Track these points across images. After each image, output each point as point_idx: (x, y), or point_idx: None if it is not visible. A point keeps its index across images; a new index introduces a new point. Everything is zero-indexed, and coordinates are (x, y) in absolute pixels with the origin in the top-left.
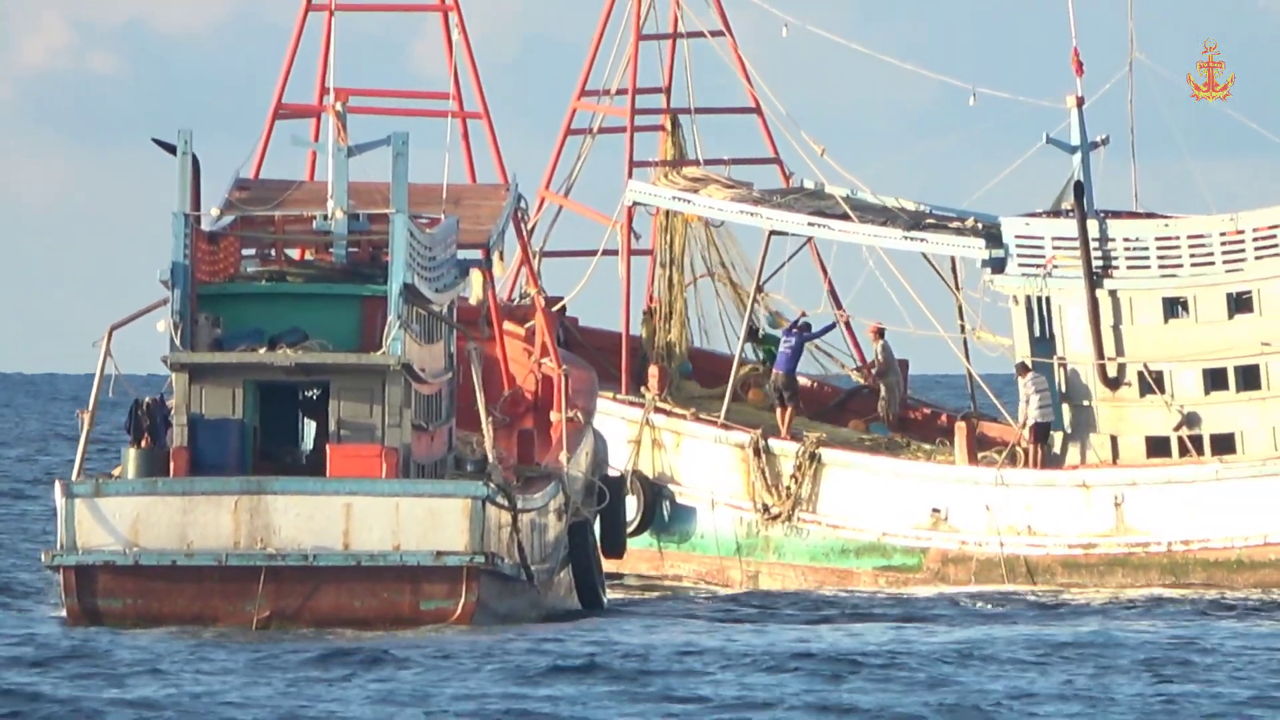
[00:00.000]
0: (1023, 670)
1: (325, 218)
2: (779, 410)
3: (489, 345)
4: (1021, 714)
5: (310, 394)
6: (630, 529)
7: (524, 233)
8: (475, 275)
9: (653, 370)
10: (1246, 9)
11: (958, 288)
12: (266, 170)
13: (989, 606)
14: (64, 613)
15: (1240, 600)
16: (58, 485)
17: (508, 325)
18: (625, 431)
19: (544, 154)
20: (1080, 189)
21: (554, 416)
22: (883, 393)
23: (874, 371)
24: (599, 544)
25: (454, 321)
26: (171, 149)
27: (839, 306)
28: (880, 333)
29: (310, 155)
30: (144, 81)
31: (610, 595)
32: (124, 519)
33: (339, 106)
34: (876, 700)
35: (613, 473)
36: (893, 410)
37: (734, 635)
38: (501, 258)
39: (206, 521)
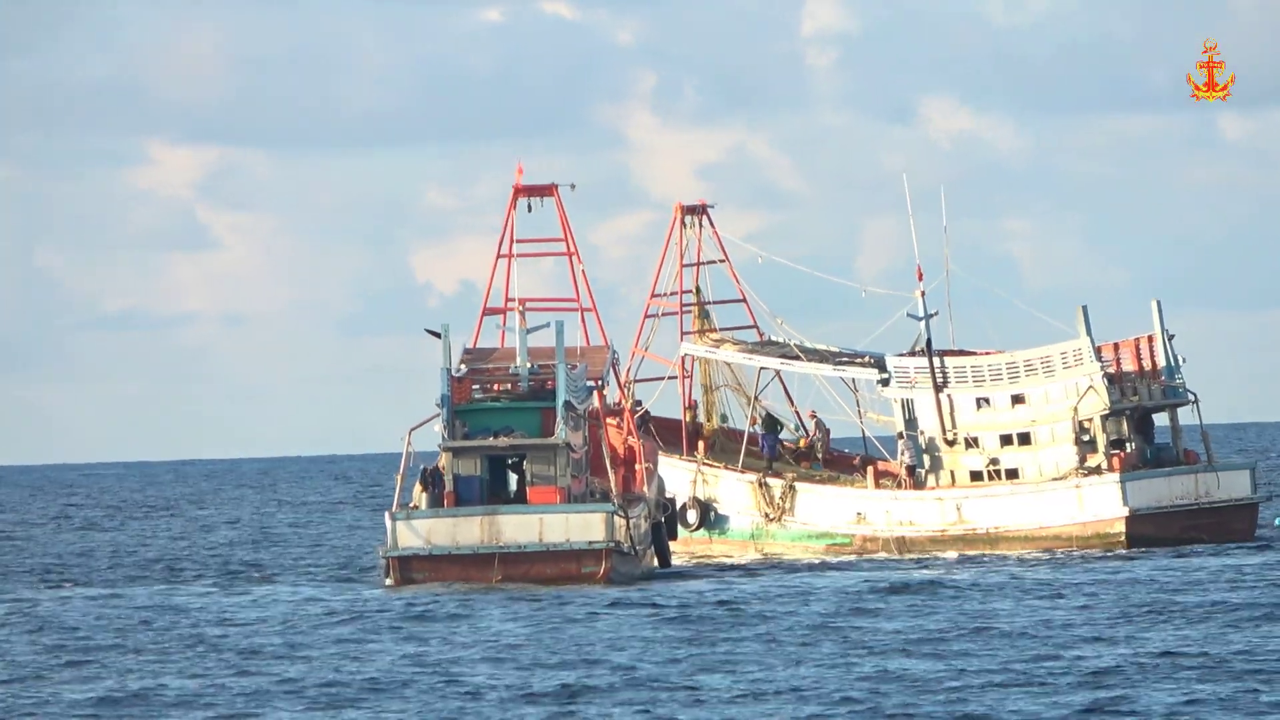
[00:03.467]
0: (908, 596)
1: (515, 368)
2: (768, 469)
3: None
4: (905, 609)
5: (512, 461)
6: (693, 528)
7: (617, 372)
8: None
9: (700, 443)
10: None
11: (856, 392)
12: (481, 341)
13: (885, 563)
14: (390, 583)
15: (1027, 557)
16: (387, 514)
17: (612, 419)
18: (687, 475)
19: (633, 328)
20: (929, 343)
21: (637, 468)
22: (817, 449)
23: (811, 440)
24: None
25: (588, 419)
26: (437, 335)
27: (791, 403)
28: (813, 415)
29: (501, 332)
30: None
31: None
32: (423, 530)
33: (521, 308)
34: (833, 598)
35: (668, 497)
36: (822, 453)
37: (751, 579)
38: (605, 385)
39: (465, 529)
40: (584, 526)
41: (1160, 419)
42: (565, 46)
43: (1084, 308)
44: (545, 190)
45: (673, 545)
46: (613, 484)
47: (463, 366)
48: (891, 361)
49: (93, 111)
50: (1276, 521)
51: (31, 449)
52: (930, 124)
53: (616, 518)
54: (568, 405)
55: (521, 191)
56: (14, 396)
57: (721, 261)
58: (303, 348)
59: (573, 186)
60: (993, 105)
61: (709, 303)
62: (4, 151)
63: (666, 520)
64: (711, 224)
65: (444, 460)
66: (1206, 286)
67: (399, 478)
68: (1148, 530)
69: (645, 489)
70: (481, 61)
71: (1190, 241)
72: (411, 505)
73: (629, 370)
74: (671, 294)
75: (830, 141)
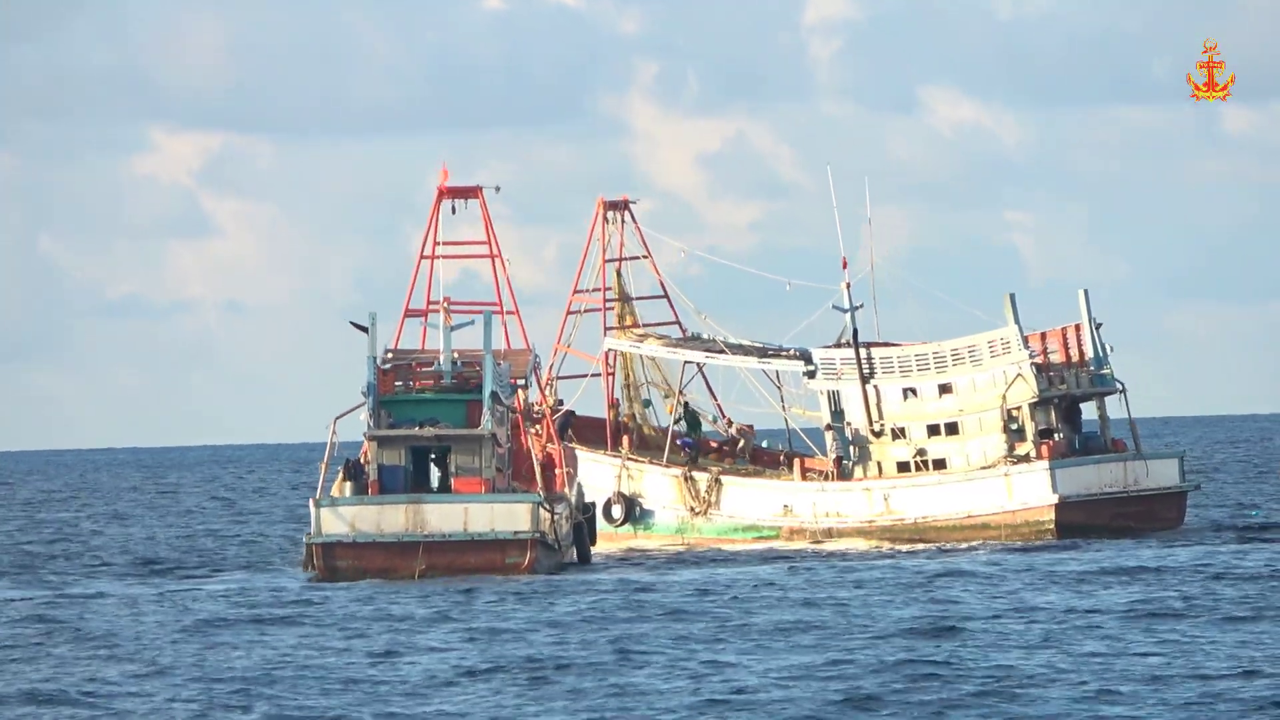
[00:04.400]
0: (830, 576)
1: (439, 365)
2: (693, 464)
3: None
4: (834, 587)
5: (435, 454)
6: (618, 523)
7: (539, 376)
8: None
9: (625, 438)
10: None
11: (780, 387)
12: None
13: (810, 554)
14: (314, 571)
15: (952, 546)
16: (311, 501)
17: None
18: (612, 470)
19: (555, 324)
20: (855, 334)
21: (558, 472)
22: (740, 445)
23: (734, 435)
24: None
25: (518, 416)
26: (363, 328)
27: (714, 398)
28: (730, 422)
29: (423, 332)
30: None
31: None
32: (347, 517)
33: (445, 305)
34: (749, 585)
35: (588, 499)
36: (747, 454)
37: (676, 571)
38: (527, 386)
39: (390, 518)
40: (509, 517)
41: (1088, 409)
42: (568, 36)
43: (1011, 296)
44: (470, 192)
45: (598, 541)
46: (539, 481)
47: (390, 355)
48: (817, 354)
49: (95, 98)
50: (1253, 514)
51: (35, 435)
52: (933, 114)
53: (542, 509)
54: (494, 397)
55: (446, 193)
56: (17, 383)
57: (644, 257)
58: (304, 336)
59: (497, 189)
60: (996, 96)
61: (633, 298)
62: (6, 139)
63: (587, 521)
64: (634, 219)
65: (369, 450)
66: (1210, 279)
67: (323, 466)
68: (1077, 518)
69: (566, 492)
70: (485, 50)
71: (1194, 235)
72: (333, 494)
73: (551, 367)
74: (594, 290)
75: (832, 132)
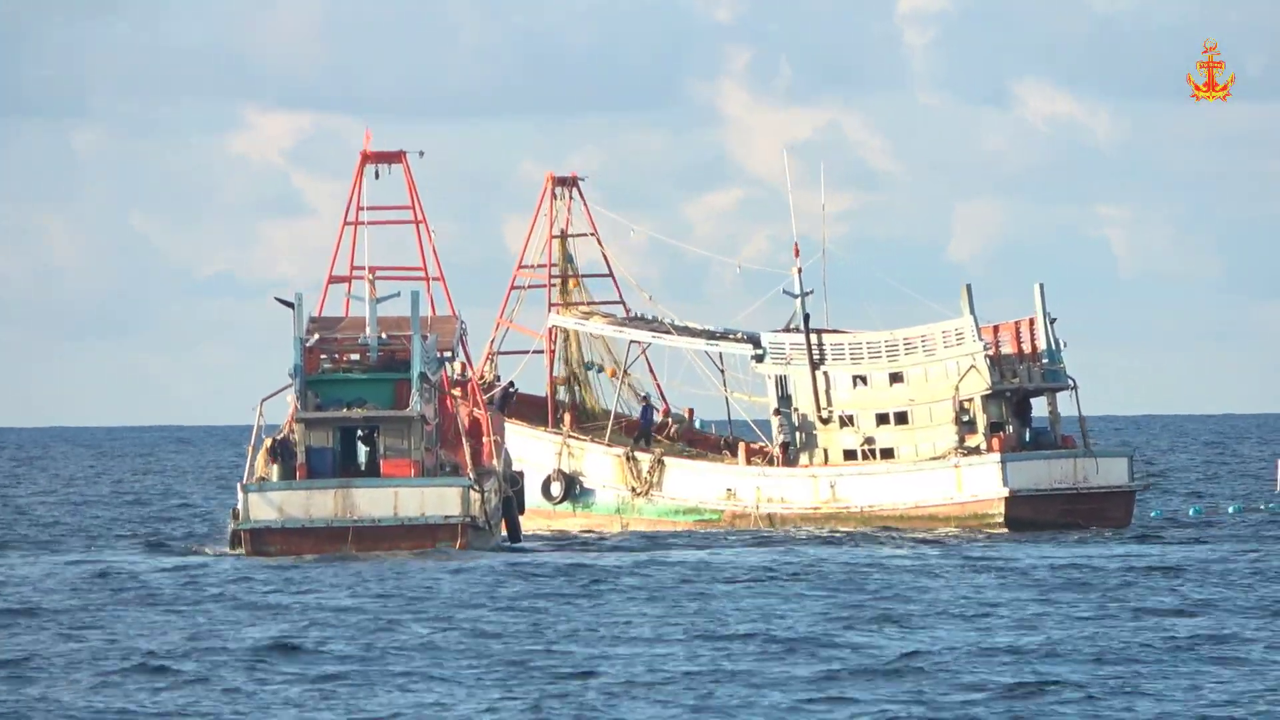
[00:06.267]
0: (771, 563)
1: (364, 338)
2: (641, 441)
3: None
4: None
5: (363, 434)
6: (557, 501)
7: (465, 343)
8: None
9: (566, 415)
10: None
11: (724, 370)
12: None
13: (752, 541)
14: (242, 553)
15: (898, 535)
16: (239, 485)
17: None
18: (553, 448)
19: (497, 300)
20: (807, 318)
21: (485, 440)
22: (671, 429)
23: (671, 420)
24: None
25: (447, 379)
26: (289, 304)
27: (656, 380)
28: (667, 411)
29: (346, 301)
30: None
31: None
32: (276, 502)
33: (371, 276)
34: (677, 570)
35: (516, 470)
36: (674, 436)
37: (609, 554)
38: (454, 357)
39: (319, 502)
40: (439, 501)
41: (1039, 405)
42: (661, 22)
43: (968, 286)
44: (394, 157)
45: (536, 519)
46: (469, 459)
47: (316, 334)
48: (767, 337)
49: (189, 76)
50: (1153, 514)
51: (131, 411)
52: (1026, 107)
53: (472, 492)
54: (422, 377)
55: (369, 158)
56: (111, 359)
57: (590, 235)
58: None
59: (420, 154)
60: (1090, 90)
61: (579, 276)
62: (100, 116)
63: (516, 494)
64: (581, 196)
65: (296, 432)
66: None
67: (250, 449)
68: (1026, 513)
69: (494, 462)
70: (578, 36)
71: None
72: (258, 477)
73: (493, 342)
74: (540, 266)
75: (925, 122)
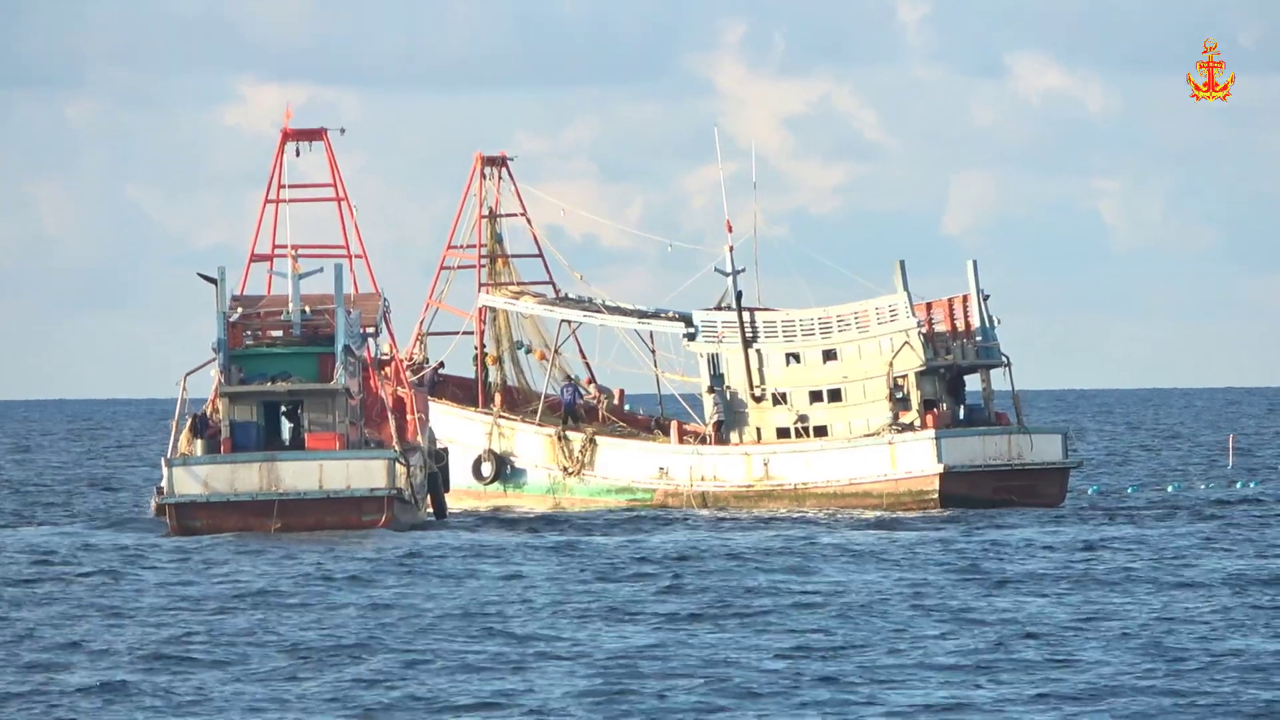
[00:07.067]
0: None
1: (288, 314)
2: (569, 421)
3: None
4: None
5: (287, 409)
6: (487, 481)
7: (389, 320)
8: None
9: (497, 396)
10: None
11: (655, 350)
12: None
13: (683, 519)
14: (168, 530)
15: (830, 513)
16: (163, 460)
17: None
18: (483, 428)
19: (425, 280)
20: (739, 296)
21: (410, 418)
22: (602, 407)
23: (598, 392)
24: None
25: (370, 358)
26: (212, 280)
27: (585, 359)
28: (591, 381)
29: (268, 279)
30: None
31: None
32: (201, 477)
33: (294, 253)
34: (609, 552)
35: (440, 447)
36: (601, 417)
37: (531, 531)
38: (377, 333)
39: (244, 476)
40: (365, 473)
41: (972, 382)
42: None
43: (901, 262)
44: (314, 134)
45: (467, 499)
46: (393, 432)
47: (238, 309)
48: (698, 316)
49: (182, 47)
50: (1090, 490)
51: (123, 383)
52: (1020, 80)
53: (398, 465)
54: (347, 350)
55: (290, 135)
56: (105, 331)
57: (519, 215)
58: (388, 288)
59: (342, 130)
60: (1083, 63)
61: (508, 256)
62: (94, 86)
63: (441, 471)
64: (511, 176)
65: (220, 406)
66: None
67: (173, 424)
68: (961, 489)
69: (419, 439)
70: (573, 7)
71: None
72: (181, 453)
73: (422, 323)
74: (469, 246)
75: (919, 95)
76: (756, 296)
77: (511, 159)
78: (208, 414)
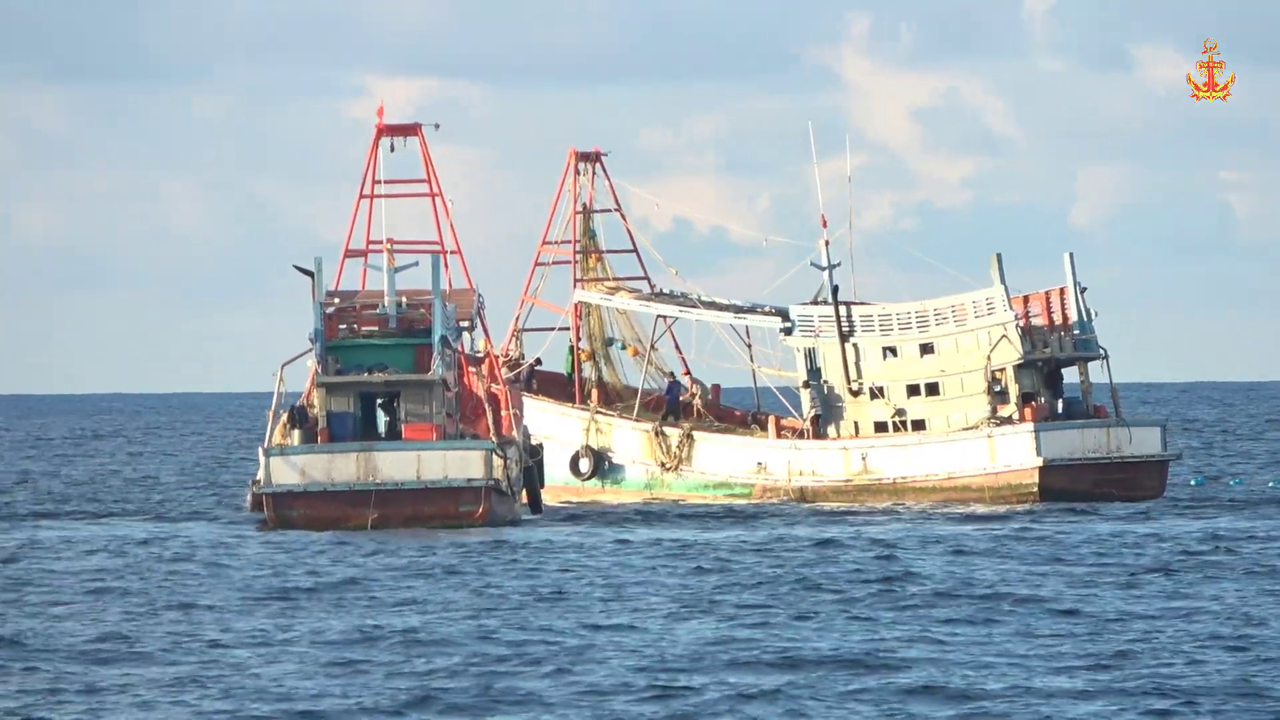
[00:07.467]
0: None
1: (383, 308)
2: (669, 417)
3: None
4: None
5: (383, 400)
6: (585, 477)
7: (483, 317)
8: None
9: (594, 392)
10: None
11: (750, 345)
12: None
13: (785, 514)
14: (265, 520)
15: (931, 507)
16: (260, 449)
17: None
18: (580, 424)
19: (495, 276)
20: (835, 291)
21: (504, 414)
22: (698, 403)
23: (695, 393)
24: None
25: (464, 355)
26: (309, 272)
27: (681, 354)
28: (687, 374)
29: (363, 274)
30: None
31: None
32: (298, 466)
33: (389, 247)
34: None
35: (535, 443)
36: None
37: (625, 526)
38: (472, 328)
39: (341, 466)
40: (462, 464)
41: (1070, 375)
42: None
43: (998, 256)
44: (409, 130)
45: (564, 494)
46: (490, 425)
47: (336, 300)
48: (795, 310)
49: (309, 42)
50: (1193, 481)
51: (250, 377)
52: (1147, 72)
53: (495, 456)
54: (444, 341)
55: (384, 131)
56: (231, 324)
57: (614, 210)
58: (516, 281)
59: (436, 126)
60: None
61: (601, 251)
62: (222, 82)
63: (536, 465)
64: (605, 171)
65: (316, 397)
66: None
67: (270, 414)
68: (1060, 483)
69: (513, 434)
70: (698, 0)
71: None
72: (278, 443)
73: (518, 318)
74: (564, 241)
75: (1046, 88)
76: (853, 291)
77: (605, 154)
78: (305, 406)
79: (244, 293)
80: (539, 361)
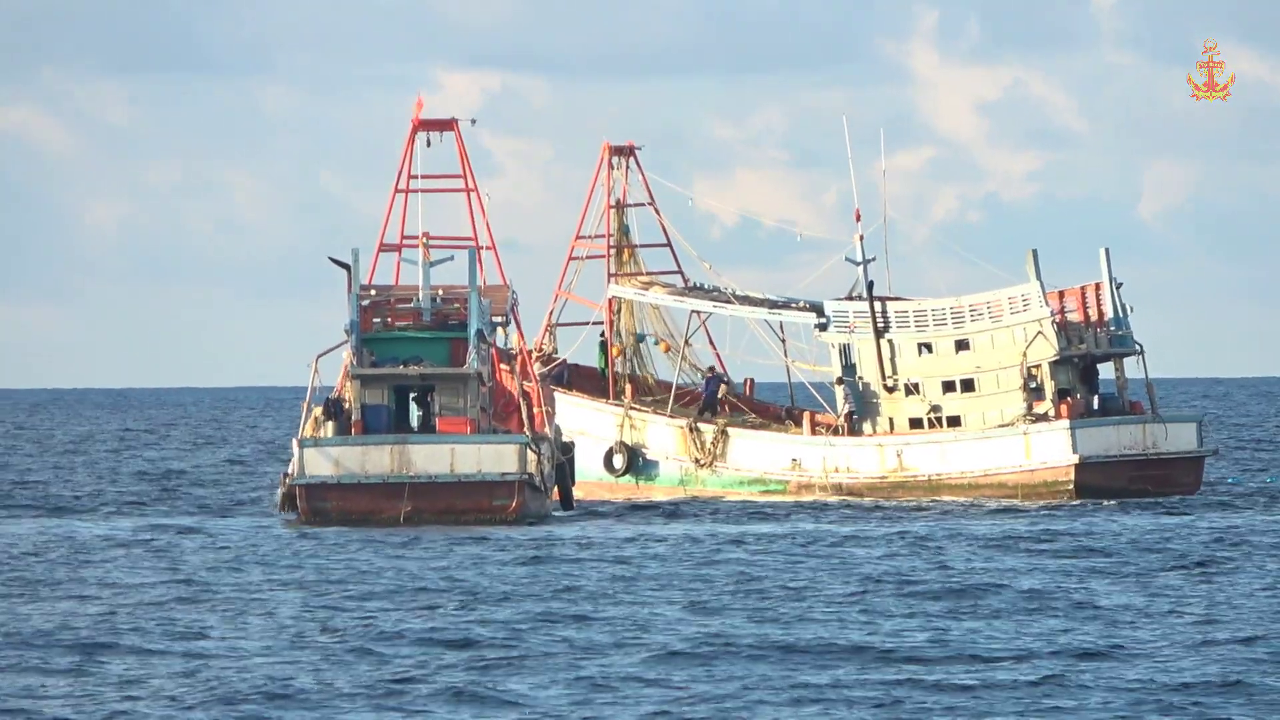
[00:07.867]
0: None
1: (417, 301)
2: (706, 413)
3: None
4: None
5: (416, 394)
6: (619, 473)
7: (517, 313)
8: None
9: (628, 387)
10: None
11: (785, 340)
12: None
13: (814, 511)
14: (298, 514)
15: (966, 504)
16: (294, 441)
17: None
18: (614, 420)
19: (554, 271)
20: (870, 285)
21: (536, 410)
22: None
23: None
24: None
25: (497, 351)
26: (344, 264)
27: (715, 349)
28: (711, 370)
29: (396, 266)
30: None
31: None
32: (332, 458)
33: (424, 240)
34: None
35: (567, 440)
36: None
37: (657, 521)
38: (506, 323)
39: (375, 458)
40: (497, 458)
41: (1105, 370)
42: None
43: (1034, 252)
44: (445, 125)
45: (598, 490)
46: (524, 420)
47: (372, 291)
48: (830, 305)
49: (375, 35)
50: (1229, 480)
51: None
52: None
53: (529, 450)
54: (479, 335)
55: (421, 126)
56: (297, 317)
57: (648, 204)
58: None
59: (473, 121)
60: (1276, 49)
61: (634, 246)
62: (287, 75)
63: (568, 462)
64: (639, 166)
65: (350, 389)
66: None
67: (304, 406)
68: (1096, 480)
69: (545, 431)
70: None
71: None
72: (312, 435)
73: (551, 313)
74: (598, 236)
75: (1112, 81)
76: (888, 286)
77: (639, 149)
78: (340, 398)
79: (305, 286)
80: (564, 362)
